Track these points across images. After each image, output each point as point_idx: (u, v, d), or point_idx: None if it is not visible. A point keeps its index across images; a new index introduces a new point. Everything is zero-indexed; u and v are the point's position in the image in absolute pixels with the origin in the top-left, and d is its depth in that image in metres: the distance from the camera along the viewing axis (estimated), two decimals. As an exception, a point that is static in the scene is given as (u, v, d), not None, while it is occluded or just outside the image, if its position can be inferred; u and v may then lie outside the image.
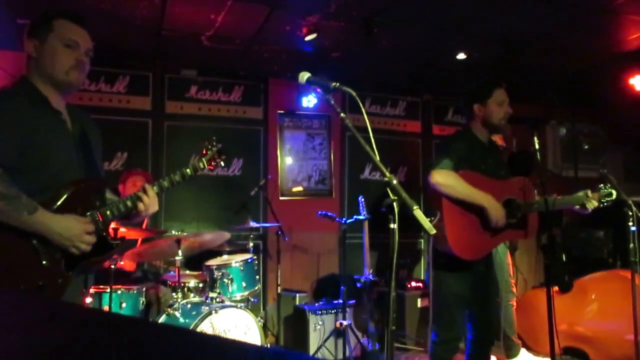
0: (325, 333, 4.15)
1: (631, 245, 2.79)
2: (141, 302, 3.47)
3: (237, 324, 3.34)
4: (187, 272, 3.93)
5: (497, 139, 4.09)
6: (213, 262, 3.78)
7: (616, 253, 5.14)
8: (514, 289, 4.13)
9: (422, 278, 5.34)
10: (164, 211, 4.69)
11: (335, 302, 4.31)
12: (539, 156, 2.62)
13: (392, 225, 1.51)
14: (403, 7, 3.67)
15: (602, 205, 2.75)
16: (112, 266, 3.18)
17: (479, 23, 3.98)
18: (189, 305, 3.39)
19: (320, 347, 4.07)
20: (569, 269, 4.46)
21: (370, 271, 4.24)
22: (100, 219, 1.79)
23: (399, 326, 4.62)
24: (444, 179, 2.49)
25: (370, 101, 5.78)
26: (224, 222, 4.67)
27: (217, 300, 3.45)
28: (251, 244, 4.28)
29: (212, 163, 2.09)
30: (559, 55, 4.74)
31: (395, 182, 1.52)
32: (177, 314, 3.32)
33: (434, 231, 1.52)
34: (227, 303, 3.42)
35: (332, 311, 4.25)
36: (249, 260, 3.79)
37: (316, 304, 4.36)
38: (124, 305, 3.37)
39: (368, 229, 4.24)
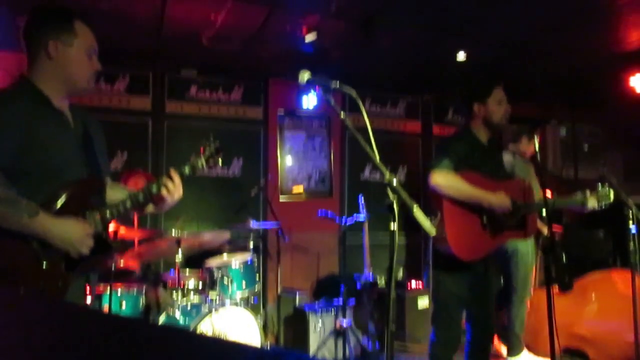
0: (325, 333, 4.15)
1: (631, 245, 2.79)
2: (141, 302, 3.47)
3: (237, 324, 3.34)
4: (187, 272, 3.93)
5: (526, 146, 4.07)
6: (213, 262, 3.77)
7: (616, 253, 5.15)
8: (532, 289, 4.11)
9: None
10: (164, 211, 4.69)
11: (335, 302, 4.31)
12: (539, 157, 2.62)
13: (392, 225, 1.51)
14: (403, 7, 3.67)
15: (601, 207, 2.75)
16: (113, 266, 3.18)
17: (479, 23, 3.98)
18: (188, 305, 3.39)
19: (320, 347, 4.07)
20: (569, 269, 4.46)
21: (370, 271, 4.25)
22: (100, 220, 1.79)
23: (399, 326, 4.62)
24: (444, 180, 2.49)
25: (370, 101, 5.78)
26: (224, 222, 4.66)
27: (217, 300, 3.45)
28: (251, 244, 4.28)
29: (211, 161, 2.08)
30: (559, 55, 4.74)
31: (395, 182, 1.52)
32: (177, 313, 3.32)
33: (434, 232, 1.52)
34: (227, 303, 3.42)
35: (332, 311, 4.25)
36: (249, 260, 3.79)
37: (316, 304, 4.36)
38: (124, 305, 3.37)
39: (368, 229, 4.24)
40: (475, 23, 3.99)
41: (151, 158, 4.83)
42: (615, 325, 3.85)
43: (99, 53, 1.88)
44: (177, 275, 3.48)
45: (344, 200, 5.60)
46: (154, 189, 1.88)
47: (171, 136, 4.90)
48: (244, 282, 3.71)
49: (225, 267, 3.67)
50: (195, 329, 3.15)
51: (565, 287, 4.34)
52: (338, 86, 1.70)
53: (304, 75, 1.72)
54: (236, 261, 3.73)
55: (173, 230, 3.54)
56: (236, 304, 3.44)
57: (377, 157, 1.57)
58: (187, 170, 1.98)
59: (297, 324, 4.36)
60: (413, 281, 4.80)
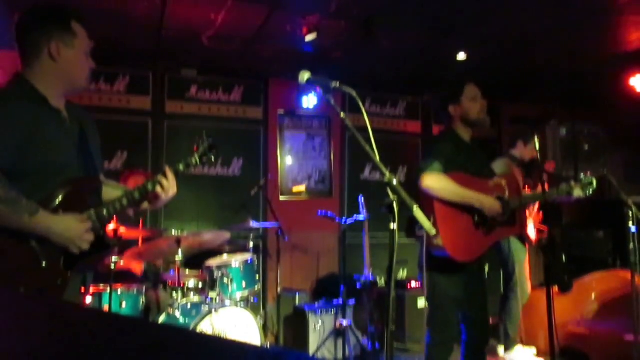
0: (325, 333, 4.15)
1: (631, 245, 2.80)
2: (141, 301, 3.47)
3: (237, 323, 3.34)
4: (187, 271, 3.93)
5: (523, 150, 4.07)
6: (213, 262, 3.77)
7: (616, 253, 5.14)
8: (529, 289, 4.10)
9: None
10: (164, 211, 4.69)
11: (335, 302, 4.31)
12: (539, 157, 2.62)
13: (392, 225, 1.51)
14: (403, 7, 3.67)
15: (586, 194, 2.81)
16: (113, 266, 3.18)
17: (479, 23, 3.98)
18: (188, 305, 3.39)
19: (320, 347, 4.07)
20: (569, 269, 4.47)
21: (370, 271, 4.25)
22: (97, 218, 1.79)
23: (399, 326, 4.62)
24: (435, 182, 2.48)
25: (370, 101, 5.78)
26: (224, 222, 4.66)
27: (217, 300, 3.45)
28: (251, 244, 4.28)
29: (204, 158, 2.09)
30: (559, 56, 4.74)
31: (395, 182, 1.52)
32: (177, 313, 3.32)
33: (434, 231, 1.52)
34: (227, 303, 3.42)
35: (332, 311, 4.25)
36: (249, 260, 3.79)
37: (316, 304, 4.36)
38: (124, 305, 3.37)
39: (368, 229, 4.24)
40: (475, 23, 3.99)
41: (151, 158, 4.83)
42: (615, 325, 3.85)
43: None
44: (177, 275, 3.48)
45: (344, 200, 5.60)
46: (150, 187, 1.91)
47: (171, 136, 4.91)
48: (244, 282, 3.71)
49: (225, 266, 3.67)
50: (195, 328, 3.15)
51: (565, 287, 4.34)
52: (338, 86, 1.70)
53: (304, 75, 1.72)
54: (236, 261, 3.73)
55: (173, 230, 3.54)
56: (236, 304, 3.44)
57: (377, 157, 1.57)
58: (181, 167, 2.01)
59: (297, 324, 4.36)
60: (413, 281, 4.80)
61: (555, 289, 4.25)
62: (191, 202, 4.85)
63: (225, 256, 3.95)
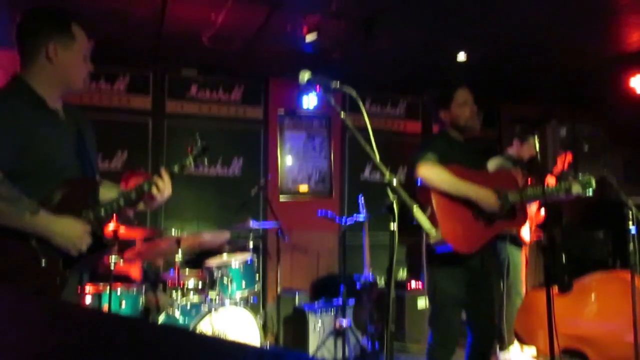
0: (325, 333, 4.15)
1: (631, 245, 2.79)
2: (141, 301, 3.46)
3: (236, 323, 3.34)
4: (187, 271, 3.93)
5: (519, 149, 4.06)
6: (213, 262, 3.77)
7: (616, 254, 5.15)
8: (523, 291, 4.11)
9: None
10: (164, 211, 4.69)
11: (335, 302, 4.31)
12: (538, 155, 2.61)
13: (392, 225, 1.51)
14: (403, 7, 3.67)
15: (586, 193, 2.77)
16: (113, 266, 3.18)
17: (479, 23, 3.98)
18: (188, 305, 3.39)
19: (320, 347, 4.07)
20: (568, 269, 4.46)
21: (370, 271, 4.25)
22: (95, 218, 1.80)
23: (399, 326, 4.62)
24: (430, 172, 2.44)
25: (370, 101, 5.78)
26: (224, 222, 4.66)
27: (217, 300, 3.45)
28: (251, 244, 4.28)
29: (198, 160, 2.10)
30: (559, 56, 4.74)
31: (395, 182, 1.52)
32: (177, 313, 3.32)
33: (434, 232, 1.52)
34: (227, 303, 3.42)
35: (332, 311, 4.25)
36: (249, 260, 3.79)
37: (316, 304, 4.36)
38: (123, 305, 3.37)
39: (368, 229, 4.24)
40: (475, 23, 3.99)
41: (151, 157, 4.83)
42: (614, 326, 3.85)
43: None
44: (177, 275, 3.48)
45: (344, 200, 5.60)
46: (146, 187, 1.91)
47: (171, 136, 4.91)
48: (243, 282, 3.71)
49: (225, 266, 3.67)
50: (194, 328, 3.15)
51: (565, 288, 4.34)
52: (338, 86, 1.70)
53: (305, 75, 1.72)
54: (236, 261, 3.73)
55: (173, 230, 3.54)
56: (236, 304, 3.44)
57: (377, 157, 1.57)
58: (176, 169, 2.02)
59: (296, 324, 4.36)
60: (413, 281, 4.80)
61: (555, 289, 4.24)
62: (191, 202, 4.85)
63: (225, 256, 3.95)
